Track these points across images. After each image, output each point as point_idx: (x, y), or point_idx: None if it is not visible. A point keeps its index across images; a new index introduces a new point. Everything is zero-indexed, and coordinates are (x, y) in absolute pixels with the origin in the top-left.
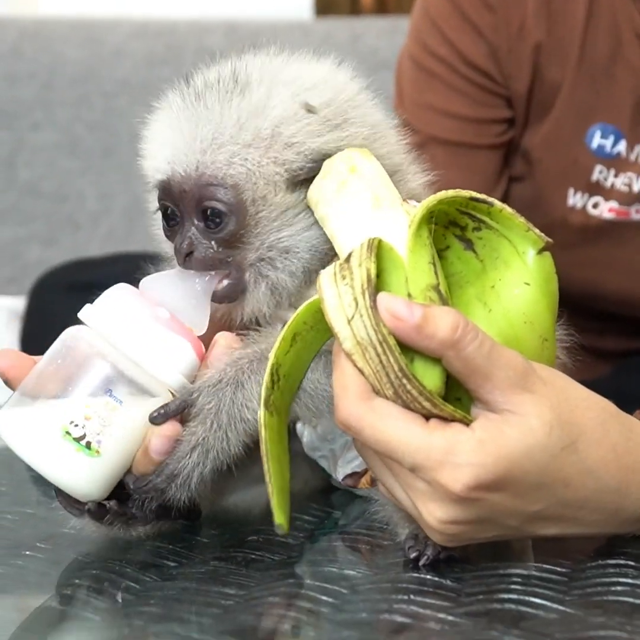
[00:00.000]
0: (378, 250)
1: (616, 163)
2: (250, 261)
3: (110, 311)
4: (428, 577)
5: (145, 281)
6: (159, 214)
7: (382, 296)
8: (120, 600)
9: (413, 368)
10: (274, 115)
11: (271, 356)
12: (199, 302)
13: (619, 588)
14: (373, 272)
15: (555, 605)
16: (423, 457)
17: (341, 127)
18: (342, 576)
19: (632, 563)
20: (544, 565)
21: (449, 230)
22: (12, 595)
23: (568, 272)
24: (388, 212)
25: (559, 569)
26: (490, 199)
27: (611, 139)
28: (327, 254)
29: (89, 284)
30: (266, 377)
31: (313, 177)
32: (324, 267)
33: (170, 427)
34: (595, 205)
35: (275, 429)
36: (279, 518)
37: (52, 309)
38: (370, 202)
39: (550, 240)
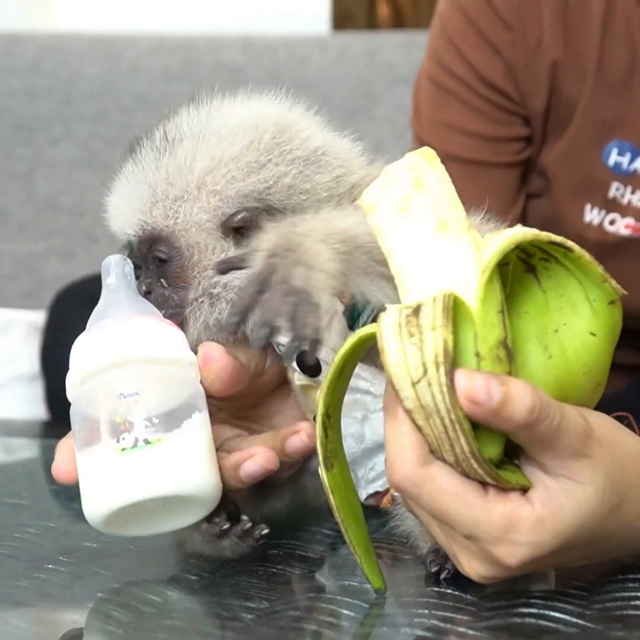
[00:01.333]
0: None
1: (633, 180)
2: (188, 301)
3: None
4: (448, 591)
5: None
6: None
7: (460, 378)
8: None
9: (476, 436)
10: (198, 168)
11: (320, 405)
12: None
13: (638, 602)
14: (450, 344)
15: (575, 620)
16: (481, 531)
17: (266, 167)
18: (362, 590)
19: None
20: (564, 580)
21: (512, 251)
22: (33, 609)
23: None
24: (454, 241)
25: (578, 583)
26: (569, 243)
27: (628, 156)
28: None
29: None
30: (318, 430)
31: (250, 224)
32: None
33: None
34: (612, 222)
35: (340, 482)
36: (376, 583)
37: (72, 322)
38: (436, 226)
39: (624, 292)
